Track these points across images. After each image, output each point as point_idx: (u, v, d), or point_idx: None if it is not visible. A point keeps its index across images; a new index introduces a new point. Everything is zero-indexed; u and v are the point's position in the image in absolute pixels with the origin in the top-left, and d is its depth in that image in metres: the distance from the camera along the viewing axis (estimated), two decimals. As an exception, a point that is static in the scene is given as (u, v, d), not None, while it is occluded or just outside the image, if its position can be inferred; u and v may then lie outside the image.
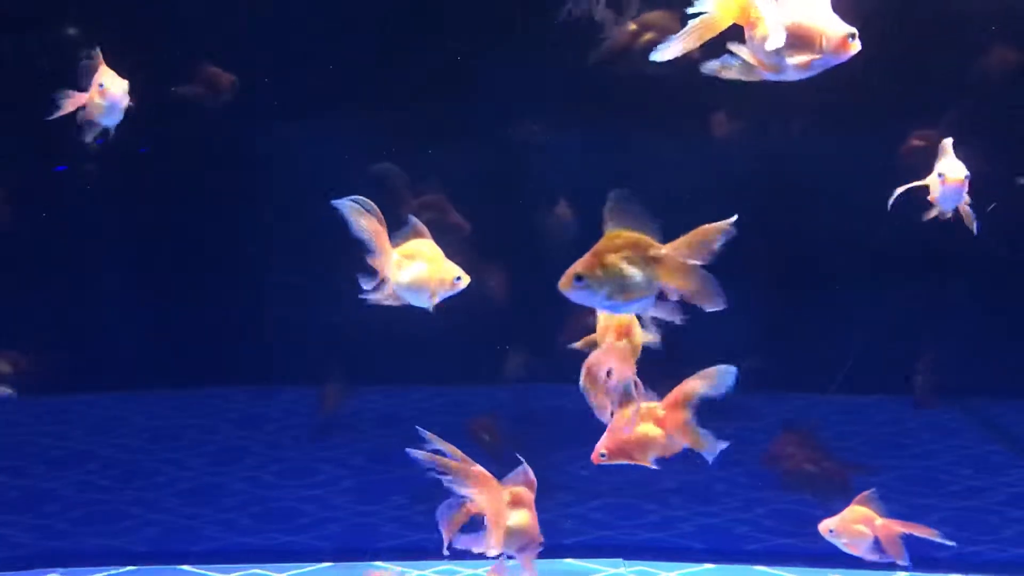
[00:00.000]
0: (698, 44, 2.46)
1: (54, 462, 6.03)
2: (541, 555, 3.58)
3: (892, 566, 4.37)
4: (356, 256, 5.90)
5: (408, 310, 3.63)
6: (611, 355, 3.29)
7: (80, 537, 5.74)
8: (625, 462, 3.42)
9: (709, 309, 2.88)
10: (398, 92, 5.72)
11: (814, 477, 5.58)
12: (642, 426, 3.38)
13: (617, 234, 2.81)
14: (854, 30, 2.52)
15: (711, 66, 2.55)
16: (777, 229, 6.17)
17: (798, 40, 2.49)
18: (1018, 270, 5.93)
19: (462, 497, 3.42)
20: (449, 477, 3.37)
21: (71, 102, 4.19)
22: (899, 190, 4.27)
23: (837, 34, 2.50)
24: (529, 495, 3.53)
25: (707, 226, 2.85)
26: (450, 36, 5.67)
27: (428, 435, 3.35)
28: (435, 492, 5.93)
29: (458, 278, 3.60)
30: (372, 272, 3.60)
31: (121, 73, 4.22)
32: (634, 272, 2.80)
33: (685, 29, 2.45)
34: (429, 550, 5.66)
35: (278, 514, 5.79)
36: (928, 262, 6.29)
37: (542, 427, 6.60)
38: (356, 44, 5.75)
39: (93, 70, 4.24)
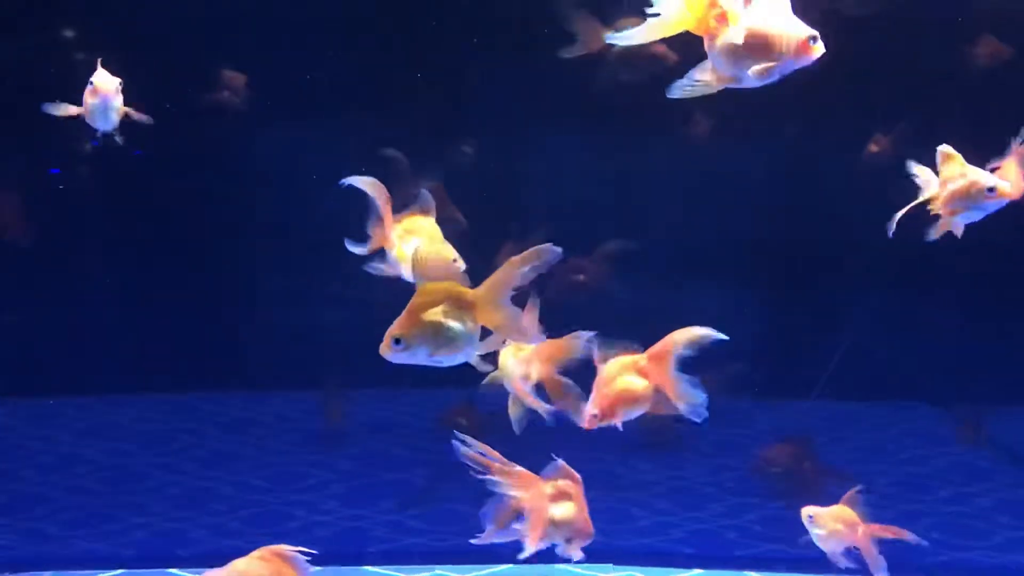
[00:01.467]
0: (649, 41, 2.44)
1: (44, 466, 6.03)
2: (529, 561, 3.58)
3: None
4: (348, 262, 5.91)
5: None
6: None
7: (69, 540, 5.73)
8: (618, 420, 3.37)
9: (525, 344, 2.90)
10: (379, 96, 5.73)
11: (798, 481, 5.58)
12: (627, 379, 3.31)
13: (428, 288, 2.81)
14: (815, 33, 2.49)
15: (676, 91, 2.52)
16: (769, 235, 6.20)
17: (759, 45, 2.46)
18: (1005, 277, 5.95)
19: (507, 496, 3.40)
20: (492, 478, 3.36)
21: (68, 107, 4.20)
22: (902, 211, 4.01)
23: (798, 37, 2.46)
24: (574, 488, 3.49)
25: (513, 259, 2.82)
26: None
27: (465, 438, 3.35)
28: (424, 497, 5.94)
29: (455, 260, 3.51)
30: (368, 240, 3.58)
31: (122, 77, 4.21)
32: (453, 324, 2.79)
33: (640, 27, 2.43)
34: (418, 554, 5.67)
35: (267, 518, 5.79)
36: (915, 268, 6.31)
37: (532, 431, 6.61)
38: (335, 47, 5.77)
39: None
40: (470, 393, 5.76)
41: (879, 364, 6.27)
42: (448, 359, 2.84)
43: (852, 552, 4.18)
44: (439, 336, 2.78)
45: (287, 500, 5.89)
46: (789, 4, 2.49)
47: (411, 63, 5.72)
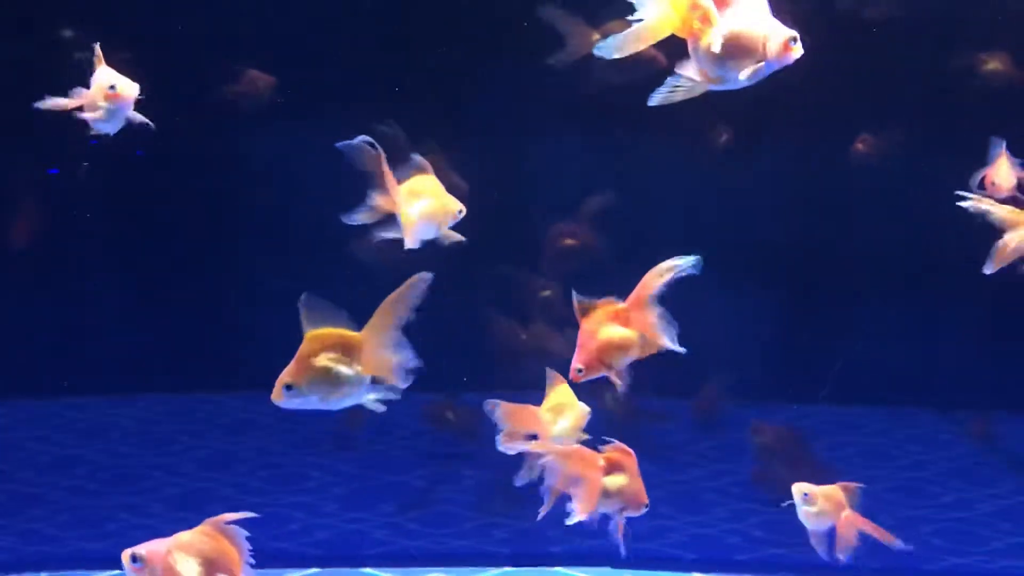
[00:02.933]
0: (636, 50, 2.46)
1: (42, 467, 6.03)
2: (529, 563, 3.59)
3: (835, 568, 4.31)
4: (350, 262, 5.91)
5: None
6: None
7: (68, 541, 5.73)
8: (603, 373, 3.35)
9: (401, 386, 2.94)
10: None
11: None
12: (610, 330, 3.33)
13: (316, 335, 2.89)
14: (795, 34, 2.52)
15: (659, 95, 2.55)
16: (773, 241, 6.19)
17: (740, 47, 2.49)
18: (1011, 281, 5.94)
19: (561, 470, 3.44)
20: (547, 459, 3.40)
21: (71, 101, 3.94)
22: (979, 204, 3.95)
23: (778, 39, 2.50)
24: (628, 459, 3.54)
25: (389, 297, 2.93)
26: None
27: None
28: (423, 499, 5.94)
29: (461, 211, 3.68)
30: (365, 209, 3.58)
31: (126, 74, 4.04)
32: (342, 369, 2.88)
33: (624, 33, 2.45)
34: (417, 556, 5.67)
35: (267, 520, 5.78)
36: (918, 272, 6.31)
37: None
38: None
39: (93, 68, 4.03)
40: (455, 389, 5.80)
41: (881, 368, 6.28)
42: (338, 402, 2.92)
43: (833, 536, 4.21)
44: (329, 382, 2.89)
45: (287, 502, 5.90)
46: (767, 5, 2.52)
47: (401, 67, 5.72)
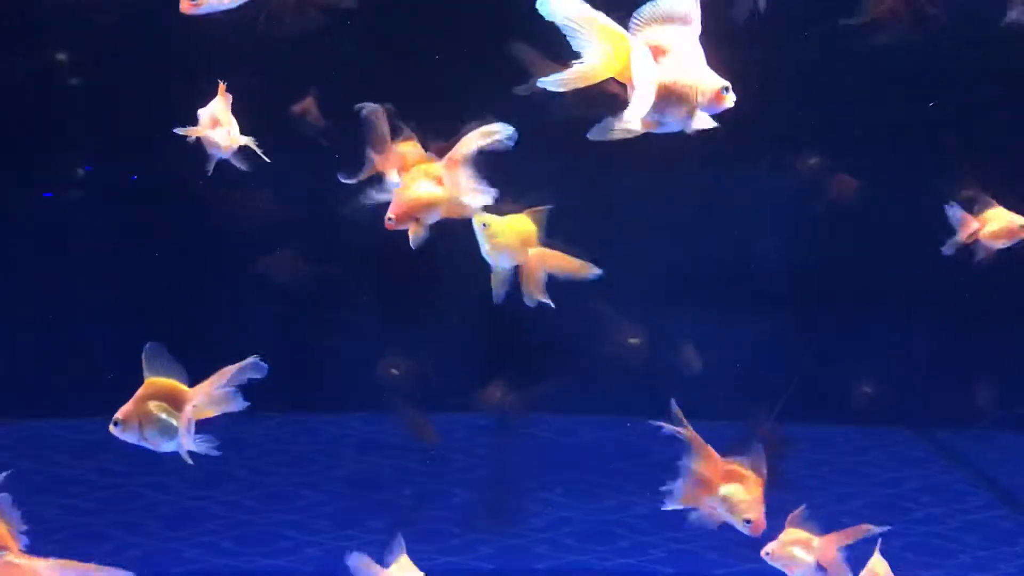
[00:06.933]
0: (575, 87, 2.54)
1: (36, 486, 6.05)
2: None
3: None
4: (344, 284, 6.00)
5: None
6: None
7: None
8: (417, 226, 3.47)
9: (203, 452, 3.19)
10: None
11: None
12: (423, 186, 3.46)
13: (153, 382, 3.23)
14: (727, 83, 2.59)
15: (597, 132, 2.61)
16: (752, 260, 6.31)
17: (674, 96, 2.57)
18: (982, 303, 6.06)
19: (692, 468, 3.54)
20: (691, 447, 3.51)
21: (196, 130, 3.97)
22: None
23: (711, 88, 2.58)
24: (753, 474, 3.59)
25: (224, 370, 3.27)
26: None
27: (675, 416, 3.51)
28: (414, 516, 6.00)
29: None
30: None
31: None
32: (165, 417, 3.22)
33: (566, 72, 2.52)
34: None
35: (259, 538, 5.85)
36: (889, 293, 6.42)
37: (519, 455, 6.70)
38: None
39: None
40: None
41: (857, 389, 6.38)
42: (158, 446, 3.27)
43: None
44: (150, 426, 3.23)
45: (278, 520, 5.96)
46: (702, 54, 2.59)
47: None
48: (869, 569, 3.96)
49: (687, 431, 3.51)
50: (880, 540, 3.95)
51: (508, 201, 3.62)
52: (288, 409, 6.50)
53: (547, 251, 3.73)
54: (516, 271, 3.68)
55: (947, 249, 4.36)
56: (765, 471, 3.60)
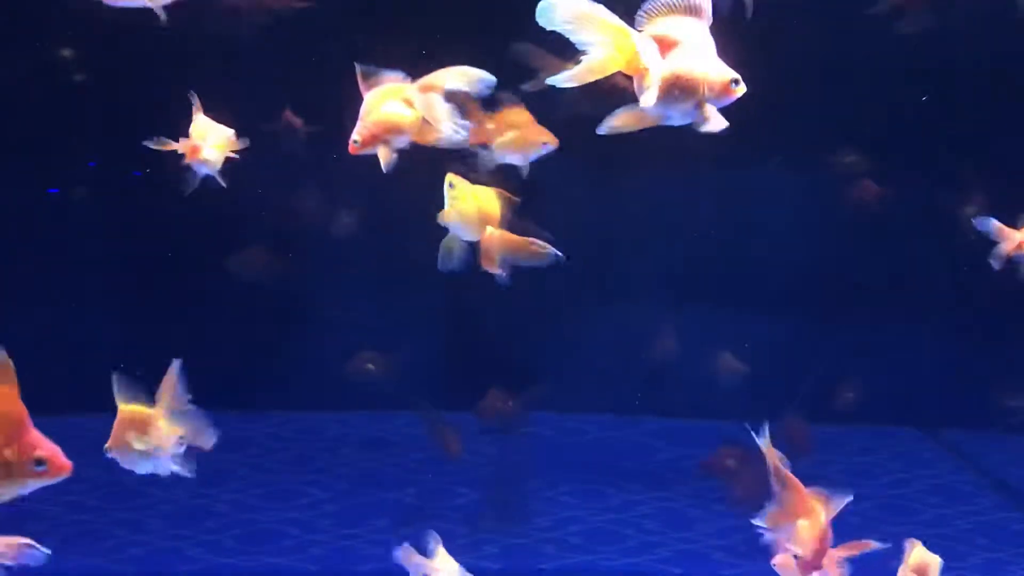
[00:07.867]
0: (583, 83, 2.52)
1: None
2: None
3: None
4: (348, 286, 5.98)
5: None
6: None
7: (65, 557, 5.77)
8: (385, 150, 3.27)
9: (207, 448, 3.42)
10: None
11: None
12: (392, 108, 3.26)
13: (128, 409, 3.43)
14: (737, 76, 2.57)
15: (606, 126, 2.60)
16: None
17: (682, 88, 2.54)
18: (990, 305, 6.03)
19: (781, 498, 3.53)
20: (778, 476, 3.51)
21: (178, 145, 3.98)
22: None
23: (719, 81, 2.56)
24: (817, 513, 3.58)
25: (164, 383, 3.44)
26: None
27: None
28: (416, 516, 6.00)
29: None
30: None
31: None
32: (137, 444, 3.46)
33: (573, 70, 2.51)
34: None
35: (262, 536, 5.84)
36: (900, 295, 6.39)
37: (522, 454, 6.69)
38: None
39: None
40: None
41: (866, 389, 6.35)
42: (137, 469, 3.51)
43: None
44: (129, 452, 3.47)
45: (281, 518, 5.95)
46: (713, 47, 2.57)
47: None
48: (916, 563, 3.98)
49: (776, 460, 3.47)
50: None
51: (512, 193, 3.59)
52: (291, 407, 6.50)
53: (506, 233, 3.61)
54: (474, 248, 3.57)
55: (994, 262, 4.32)
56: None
